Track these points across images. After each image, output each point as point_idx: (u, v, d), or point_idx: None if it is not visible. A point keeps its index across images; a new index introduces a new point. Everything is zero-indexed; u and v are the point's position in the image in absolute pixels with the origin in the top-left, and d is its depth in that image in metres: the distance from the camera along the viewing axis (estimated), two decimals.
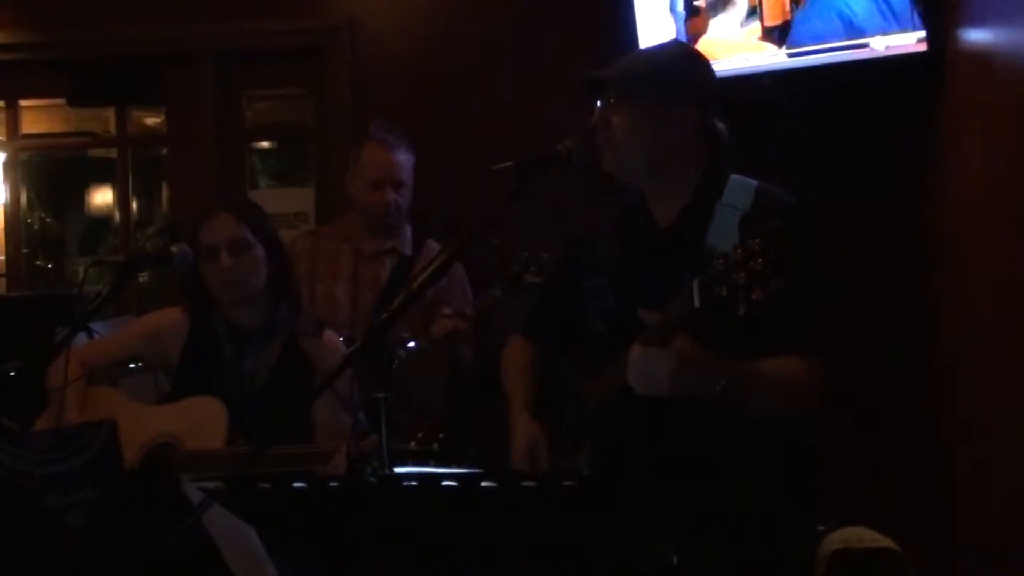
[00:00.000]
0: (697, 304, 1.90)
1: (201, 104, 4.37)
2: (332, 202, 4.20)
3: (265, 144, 5.92)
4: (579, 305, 2.35)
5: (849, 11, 3.38)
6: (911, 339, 3.70)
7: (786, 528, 2.20)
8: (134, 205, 5.01)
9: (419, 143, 3.68)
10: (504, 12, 4.09)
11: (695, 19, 3.72)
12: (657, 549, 2.03)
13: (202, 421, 2.62)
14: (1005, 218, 2.90)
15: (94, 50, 4.38)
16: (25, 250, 4.97)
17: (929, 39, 3.30)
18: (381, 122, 3.66)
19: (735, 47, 3.63)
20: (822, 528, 2.61)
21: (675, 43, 2.37)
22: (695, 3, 3.71)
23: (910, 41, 3.32)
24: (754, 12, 3.58)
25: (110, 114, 4.88)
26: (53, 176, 7.14)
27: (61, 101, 4.66)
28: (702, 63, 2.30)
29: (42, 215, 7.18)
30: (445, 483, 1.55)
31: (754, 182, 2.23)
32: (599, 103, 2.28)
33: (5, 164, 4.74)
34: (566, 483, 1.54)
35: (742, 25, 3.62)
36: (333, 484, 1.66)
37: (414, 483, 1.61)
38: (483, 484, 1.54)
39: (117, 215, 5.05)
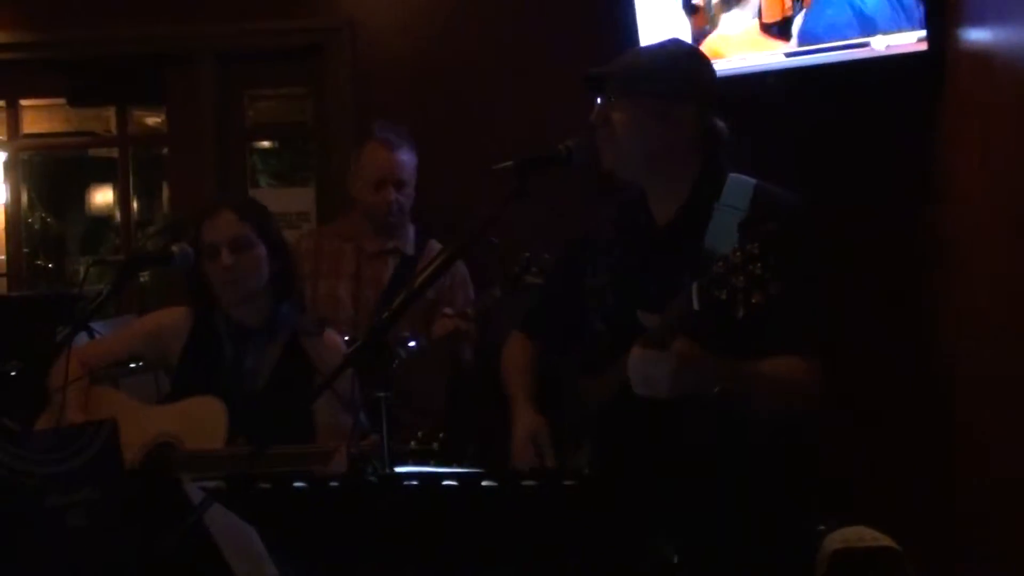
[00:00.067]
0: (696, 307, 1.90)
1: (202, 104, 4.37)
2: (333, 202, 4.20)
3: (266, 144, 5.93)
4: (579, 304, 2.36)
5: (860, 2, 3.38)
6: (911, 339, 3.70)
7: (786, 528, 2.20)
8: (135, 205, 5.01)
9: (419, 143, 3.68)
10: (504, 12, 4.09)
11: (696, 16, 3.72)
12: (657, 549, 2.03)
13: (202, 421, 2.62)
14: (1005, 218, 2.90)
15: (95, 50, 4.38)
16: (26, 250, 4.97)
17: (930, 38, 3.30)
18: (384, 121, 3.66)
19: (746, 43, 3.62)
20: (822, 527, 2.61)
21: (675, 41, 2.37)
22: (693, 1, 3.71)
23: (910, 40, 3.33)
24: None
25: (111, 114, 4.89)
26: (54, 176, 7.15)
27: (62, 101, 4.66)
28: (702, 61, 2.31)
29: (43, 215, 7.19)
30: (446, 483, 1.55)
31: (752, 181, 2.23)
32: (599, 100, 2.28)
33: (6, 164, 4.74)
34: (566, 483, 1.54)
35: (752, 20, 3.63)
36: (334, 484, 1.67)
37: (415, 483, 1.62)
38: (484, 484, 1.54)
39: (118, 215, 5.06)
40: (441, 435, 2.66)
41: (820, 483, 2.28)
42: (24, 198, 4.99)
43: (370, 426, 2.47)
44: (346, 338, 2.99)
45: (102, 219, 7.42)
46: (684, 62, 2.26)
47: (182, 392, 2.75)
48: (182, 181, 4.53)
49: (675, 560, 2.02)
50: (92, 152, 6.84)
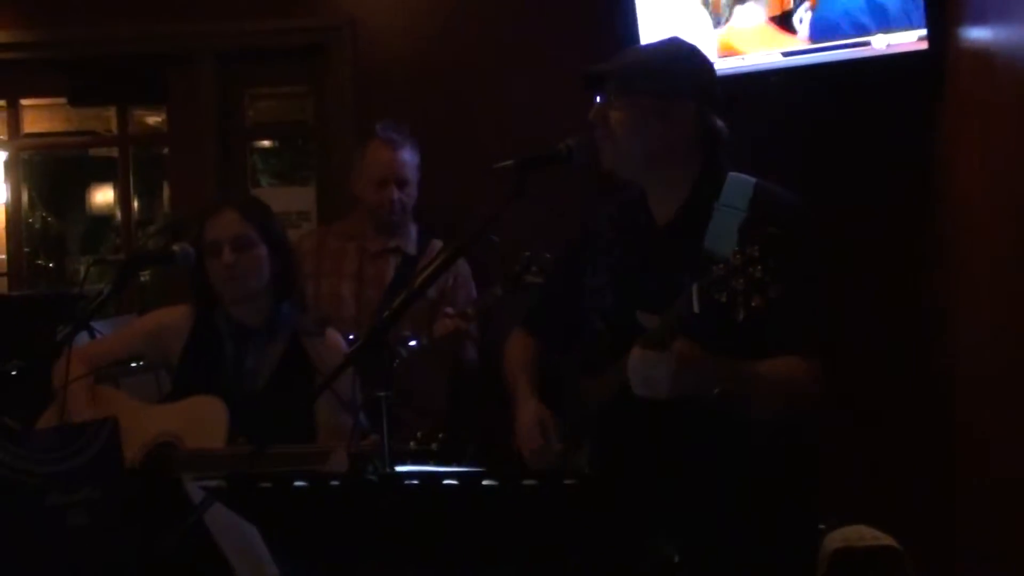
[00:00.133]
0: (696, 310, 1.90)
1: (202, 103, 4.37)
2: (333, 201, 4.20)
3: (266, 143, 5.93)
4: (579, 303, 2.36)
5: None
6: (911, 339, 3.70)
7: (787, 527, 2.20)
8: (135, 204, 5.01)
9: (419, 143, 3.68)
10: (504, 12, 4.09)
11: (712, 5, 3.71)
12: (657, 549, 2.03)
13: (203, 420, 2.62)
14: (1005, 218, 2.90)
15: (95, 49, 4.37)
16: (26, 249, 4.97)
17: (930, 37, 3.30)
18: (388, 120, 3.66)
19: (756, 36, 3.62)
20: (823, 527, 2.62)
21: (674, 40, 2.37)
22: None
23: (911, 39, 3.33)
24: None
25: (111, 113, 4.88)
26: (54, 175, 7.16)
27: (62, 100, 4.65)
28: (701, 59, 2.30)
29: (43, 214, 7.19)
30: (446, 482, 1.55)
31: (752, 179, 2.22)
32: (598, 98, 2.28)
33: (6, 163, 4.74)
34: (567, 482, 1.54)
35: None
36: (334, 483, 1.67)
37: (415, 482, 1.62)
38: (484, 483, 1.54)
39: (118, 214, 5.05)
40: (441, 435, 2.66)
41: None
42: (25, 197, 4.99)
43: (370, 426, 2.48)
44: (351, 336, 3.00)
45: (103, 218, 7.43)
46: (683, 61, 2.26)
47: (183, 391, 2.75)
48: (183, 180, 4.53)
49: (677, 559, 2.02)
50: (93, 152, 6.85)
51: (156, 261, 3.12)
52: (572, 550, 1.59)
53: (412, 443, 2.60)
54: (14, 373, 3.03)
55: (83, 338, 2.80)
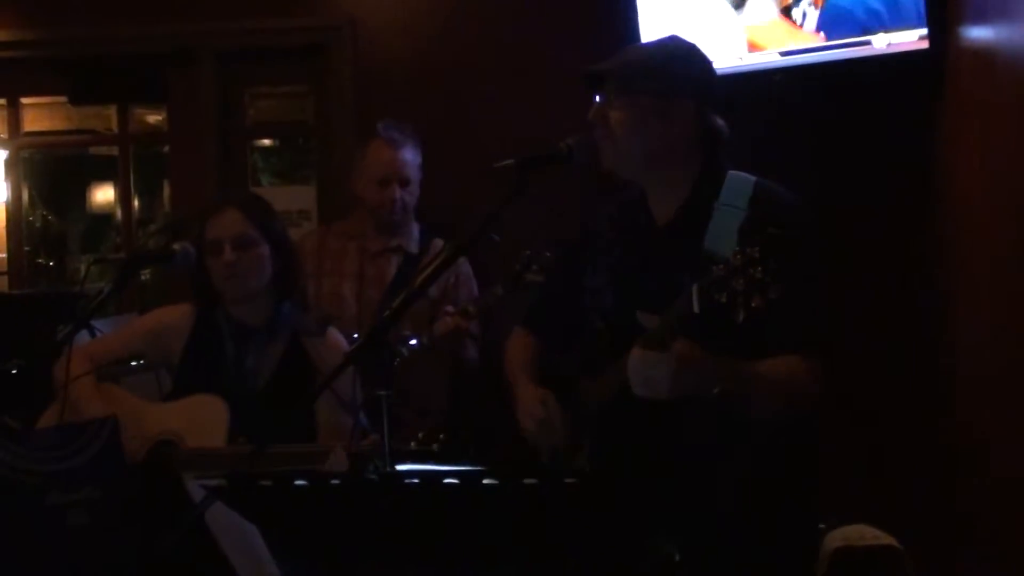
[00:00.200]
0: (696, 310, 1.90)
1: (203, 102, 4.37)
2: (334, 200, 4.21)
3: (267, 142, 5.93)
4: (579, 302, 2.36)
5: None
6: (911, 339, 3.70)
7: (787, 527, 2.20)
8: (136, 203, 5.02)
9: (419, 142, 3.68)
10: (504, 12, 4.09)
11: None
12: (657, 549, 2.03)
13: (203, 419, 2.62)
14: (1005, 218, 2.90)
15: (96, 48, 4.38)
16: (27, 248, 4.97)
17: (930, 37, 3.30)
18: (389, 119, 3.66)
19: (771, 30, 3.62)
20: (823, 526, 2.61)
21: (673, 38, 2.37)
22: None
23: (911, 39, 3.32)
24: None
25: (112, 112, 4.89)
26: (55, 174, 7.16)
27: (63, 99, 4.65)
28: (701, 58, 2.30)
29: (44, 213, 7.20)
30: (446, 481, 1.55)
31: (752, 178, 2.22)
32: (597, 98, 2.28)
33: (7, 162, 4.74)
34: (567, 481, 1.55)
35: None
36: (335, 482, 1.67)
37: (416, 481, 1.62)
38: (484, 482, 1.54)
39: (119, 213, 5.05)
40: (441, 436, 2.67)
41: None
42: (25, 196, 4.99)
43: (370, 425, 2.48)
44: (355, 335, 3.00)
45: (103, 217, 7.43)
46: (683, 60, 2.26)
47: (183, 390, 2.75)
48: (183, 179, 4.53)
49: (676, 559, 2.02)
50: (93, 150, 6.85)
51: (157, 260, 3.12)
52: (572, 549, 1.60)
53: (413, 443, 2.61)
54: (15, 372, 3.03)
55: (83, 337, 2.79)
